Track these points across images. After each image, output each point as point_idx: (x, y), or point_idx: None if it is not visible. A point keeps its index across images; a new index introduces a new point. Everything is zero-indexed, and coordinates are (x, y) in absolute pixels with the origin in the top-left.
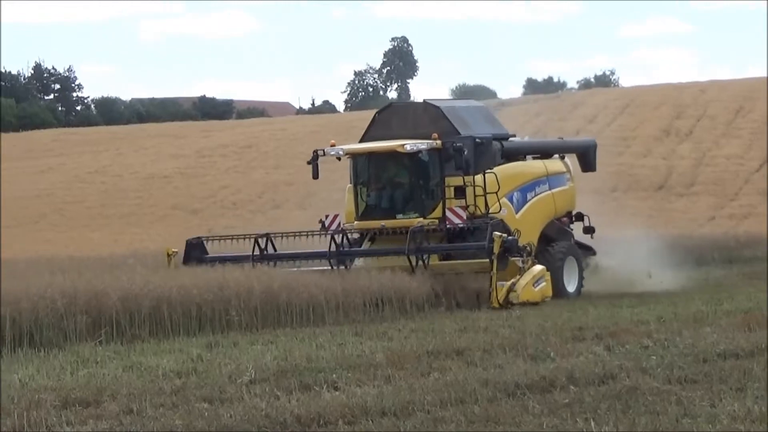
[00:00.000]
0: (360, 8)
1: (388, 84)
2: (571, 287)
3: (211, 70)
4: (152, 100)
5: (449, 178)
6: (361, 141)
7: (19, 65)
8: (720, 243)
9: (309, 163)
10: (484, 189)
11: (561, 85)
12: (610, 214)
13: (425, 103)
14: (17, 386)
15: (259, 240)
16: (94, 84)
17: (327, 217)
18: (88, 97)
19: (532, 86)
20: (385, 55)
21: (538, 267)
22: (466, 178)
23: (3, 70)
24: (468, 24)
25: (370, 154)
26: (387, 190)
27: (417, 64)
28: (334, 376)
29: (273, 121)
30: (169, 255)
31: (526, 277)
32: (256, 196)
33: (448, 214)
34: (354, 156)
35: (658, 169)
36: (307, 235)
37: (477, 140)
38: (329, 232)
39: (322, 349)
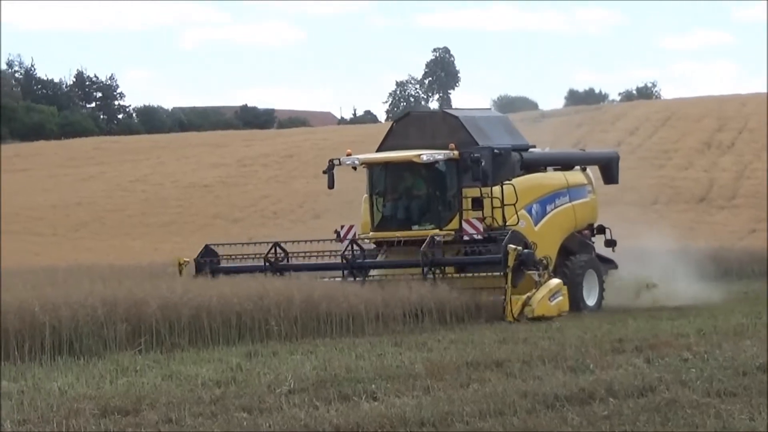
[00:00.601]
0: (402, 19)
1: (430, 94)
2: (591, 301)
3: (254, 79)
4: (194, 108)
5: (467, 189)
6: (378, 150)
7: (62, 73)
8: (760, 256)
9: (325, 172)
10: (502, 201)
11: (603, 97)
12: (650, 226)
13: (443, 112)
14: (56, 394)
15: (274, 248)
16: (136, 92)
17: (342, 227)
18: (130, 105)
19: (574, 97)
20: (427, 65)
21: (555, 281)
22: (483, 189)
23: (44, 77)
24: (510, 35)
25: (387, 164)
26: (403, 201)
27: (459, 75)
28: (373, 386)
29: (314, 131)
30: (180, 264)
31: (542, 291)
32: (297, 206)
33: (465, 225)
34: (370, 166)
35: (700, 181)
36: (320, 255)
37: (495, 151)
38: (349, 242)
39: (362, 359)
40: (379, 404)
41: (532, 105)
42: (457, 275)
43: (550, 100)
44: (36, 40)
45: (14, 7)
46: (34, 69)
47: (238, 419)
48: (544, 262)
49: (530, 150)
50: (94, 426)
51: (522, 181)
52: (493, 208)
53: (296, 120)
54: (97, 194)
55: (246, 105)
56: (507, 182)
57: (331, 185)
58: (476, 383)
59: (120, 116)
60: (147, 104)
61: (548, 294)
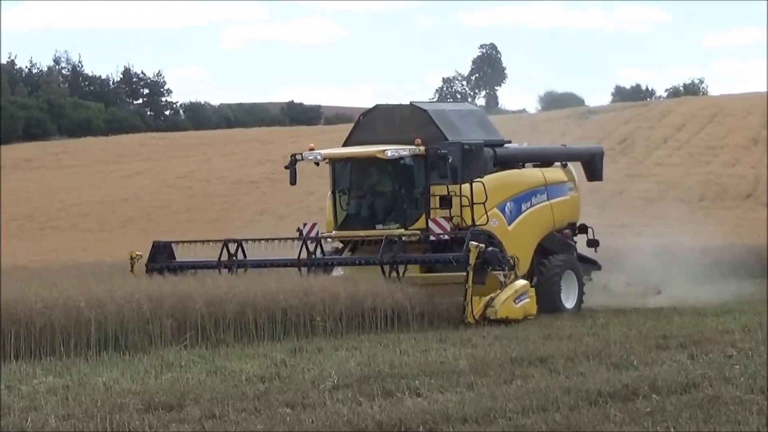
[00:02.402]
0: (447, 16)
1: (477, 91)
2: (569, 303)
3: (299, 76)
4: (240, 105)
5: (435, 187)
6: (345, 145)
7: (109, 69)
8: None
9: (287, 167)
10: (471, 199)
11: (649, 93)
12: (696, 223)
13: (411, 105)
14: (101, 389)
15: (229, 245)
16: (183, 89)
17: (305, 225)
18: (177, 102)
19: (621, 94)
20: (474, 62)
21: (521, 282)
22: (451, 187)
23: (91, 73)
24: (556, 31)
25: (350, 160)
26: (367, 199)
27: (505, 72)
28: (416, 382)
29: None
30: (132, 258)
31: (507, 292)
32: None
33: (431, 225)
34: (333, 161)
35: (746, 178)
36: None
37: (465, 147)
38: (305, 238)
39: (406, 355)
40: (422, 400)
41: (579, 101)
42: (429, 275)
43: (598, 96)
44: (83, 37)
45: (61, 6)
46: (82, 66)
47: (282, 415)
48: (511, 261)
49: (505, 146)
50: (138, 421)
51: (494, 179)
52: (461, 206)
53: (343, 116)
54: (144, 190)
55: (292, 101)
56: (477, 179)
57: (293, 181)
58: (519, 379)
59: (167, 113)
60: (194, 101)
61: (513, 295)
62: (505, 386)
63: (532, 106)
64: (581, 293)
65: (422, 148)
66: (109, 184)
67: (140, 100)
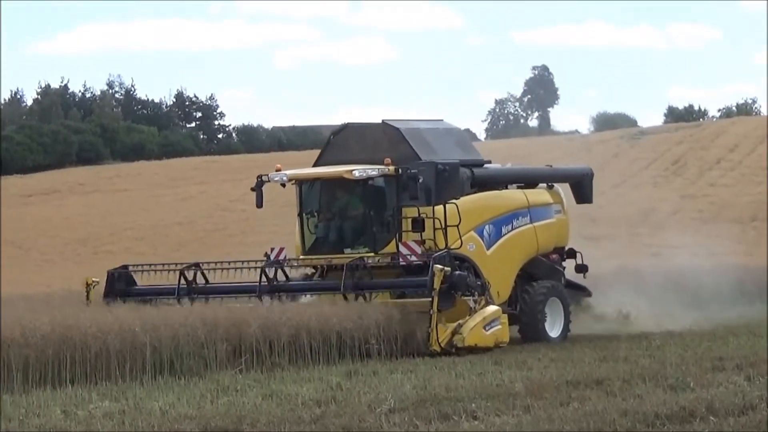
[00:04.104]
0: (500, 34)
1: (529, 112)
2: (554, 332)
3: (350, 97)
4: (293, 128)
5: (407, 209)
6: (315, 165)
7: (161, 93)
8: None
9: (253, 189)
10: (444, 222)
11: (702, 113)
12: (749, 244)
13: (384, 123)
14: (157, 414)
15: (186, 272)
16: (235, 112)
17: (272, 250)
18: (230, 125)
19: (673, 114)
20: (526, 83)
21: (492, 308)
22: (423, 209)
23: (144, 97)
24: (608, 51)
25: (316, 181)
26: (336, 222)
27: (558, 92)
28: (473, 405)
29: None
30: (88, 285)
31: (476, 319)
32: None
33: (402, 248)
34: (299, 182)
35: None
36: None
37: (439, 166)
38: (265, 265)
39: (462, 377)
40: (479, 423)
41: (631, 122)
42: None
43: (650, 117)
44: (136, 60)
45: (114, 29)
46: (135, 89)
47: None
48: (481, 286)
49: (485, 166)
50: None
51: (470, 200)
52: (434, 229)
53: None
54: (197, 214)
55: (346, 124)
56: (451, 201)
57: (259, 204)
58: (576, 402)
59: (220, 136)
60: (246, 123)
61: (482, 322)
62: (561, 409)
63: (585, 126)
64: (567, 321)
65: (392, 167)
66: (162, 208)
67: (193, 124)
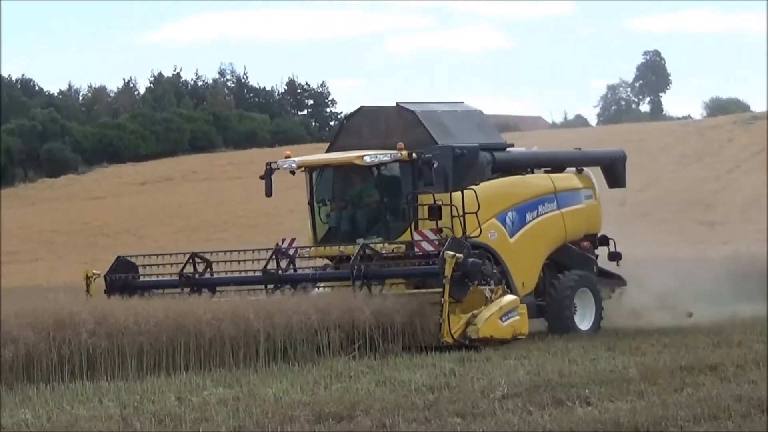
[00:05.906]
0: (611, 21)
1: (641, 98)
2: (585, 324)
3: (463, 84)
4: None
5: (423, 196)
6: (328, 151)
7: (273, 81)
8: None
9: (262, 177)
10: (463, 209)
11: None
12: None
13: (399, 107)
14: (271, 401)
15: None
16: (347, 99)
17: (284, 240)
18: (341, 112)
19: None
20: (638, 68)
21: (509, 297)
22: (438, 195)
23: (256, 85)
24: (720, 37)
25: (327, 168)
26: (348, 210)
27: (669, 78)
28: (586, 391)
29: (525, 135)
30: (88, 278)
31: (491, 309)
32: None
33: (416, 237)
34: (309, 169)
35: None
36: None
37: (457, 151)
38: (272, 255)
39: (575, 363)
40: (592, 409)
41: (744, 107)
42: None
43: (761, 101)
44: (248, 49)
45: (226, 17)
46: (247, 77)
47: (452, 424)
48: (498, 275)
49: (508, 150)
50: None
51: (491, 186)
52: (452, 217)
53: (507, 125)
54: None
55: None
56: (470, 187)
57: (268, 193)
58: (690, 387)
59: (331, 123)
60: None
61: (499, 312)
62: (675, 394)
63: (697, 112)
64: (599, 312)
65: (405, 153)
66: (275, 195)
67: (305, 111)
